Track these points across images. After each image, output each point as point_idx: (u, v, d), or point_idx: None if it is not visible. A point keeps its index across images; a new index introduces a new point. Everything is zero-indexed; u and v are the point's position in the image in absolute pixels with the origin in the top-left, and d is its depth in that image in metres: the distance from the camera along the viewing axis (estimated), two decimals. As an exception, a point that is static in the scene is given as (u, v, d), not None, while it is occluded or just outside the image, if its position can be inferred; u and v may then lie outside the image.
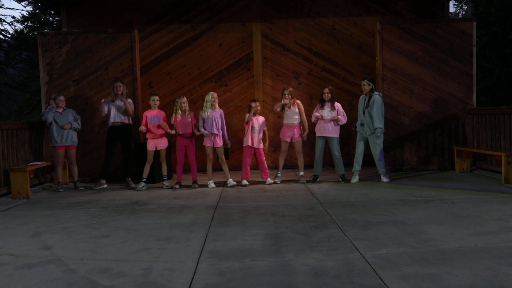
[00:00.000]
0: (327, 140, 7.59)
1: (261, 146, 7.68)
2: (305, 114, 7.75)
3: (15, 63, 18.65)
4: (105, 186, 7.89)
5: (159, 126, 7.56)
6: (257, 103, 7.65)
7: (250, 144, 7.58)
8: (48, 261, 3.95)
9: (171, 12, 9.53)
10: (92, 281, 3.44)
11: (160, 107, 7.81)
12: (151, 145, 7.63)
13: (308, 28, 9.57)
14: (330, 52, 9.59)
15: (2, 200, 6.88)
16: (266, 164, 7.73)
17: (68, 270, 3.69)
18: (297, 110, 7.64)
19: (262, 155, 7.68)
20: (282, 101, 7.63)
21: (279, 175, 7.80)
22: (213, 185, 7.54)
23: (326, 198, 6.35)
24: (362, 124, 7.47)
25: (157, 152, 7.69)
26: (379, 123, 7.31)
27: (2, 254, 4.19)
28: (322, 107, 7.59)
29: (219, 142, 7.55)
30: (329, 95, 7.53)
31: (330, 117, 7.47)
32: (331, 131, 7.51)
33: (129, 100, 8.06)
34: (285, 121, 7.71)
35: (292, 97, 7.66)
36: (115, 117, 7.87)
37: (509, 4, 14.06)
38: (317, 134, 7.61)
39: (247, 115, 7.58)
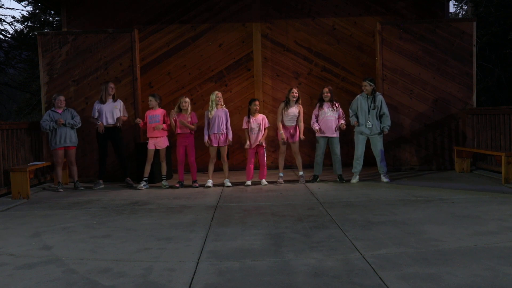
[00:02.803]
0: (328, 140, 7.61)
1: (262, 143, 7.63)
2: (305, 114, 7.76)
3: (15, 63, 18.64)
4: (102, 186, 7.88)
5: (154, 128, 7.59)
6: (257, 102, 7.66)
7: (250, 145, 7.59)
8: (48, 261, 3.95)
9: (171, 12, 9.53)
10: (92, 281, 3.44)
11: (160, 107, 7.82)
12: (150, 144, 7.67)
13: (308, 28, 9.57)
14: (330, 52, 9.59)
15: (2, 200, 6.88)
16: (265, 163, 7.72)
17: (68, 270, 3.69)
18: (297, 113, 7.65)
19: (262, 152, 7.62)
20: (281, 136, 7.62)
21: (281, 175, 7.79)
22: (210, 185, 7.54)
23: (326, 198, 6.35)
24: (369, 125, 7.46)
25: (157, 152, 7.70)
26: (389, 121, 7.47)
27: (2, 254, 4.19)
28: (321, 107, 7.61)
29: (224, 141, 7.58)
30: (329, 95, 7.56)
31: (334, 119, 7.50)
32: (333, 131, 7.55)
33: (119, 101, 7.98)
34: (284, 122, 7.68)
35: (298, 98, 7.69)
36: (107, 119, 7.80)
37: (509, 4, 14.06)
38: (319, 134, 7.61)
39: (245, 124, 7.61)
